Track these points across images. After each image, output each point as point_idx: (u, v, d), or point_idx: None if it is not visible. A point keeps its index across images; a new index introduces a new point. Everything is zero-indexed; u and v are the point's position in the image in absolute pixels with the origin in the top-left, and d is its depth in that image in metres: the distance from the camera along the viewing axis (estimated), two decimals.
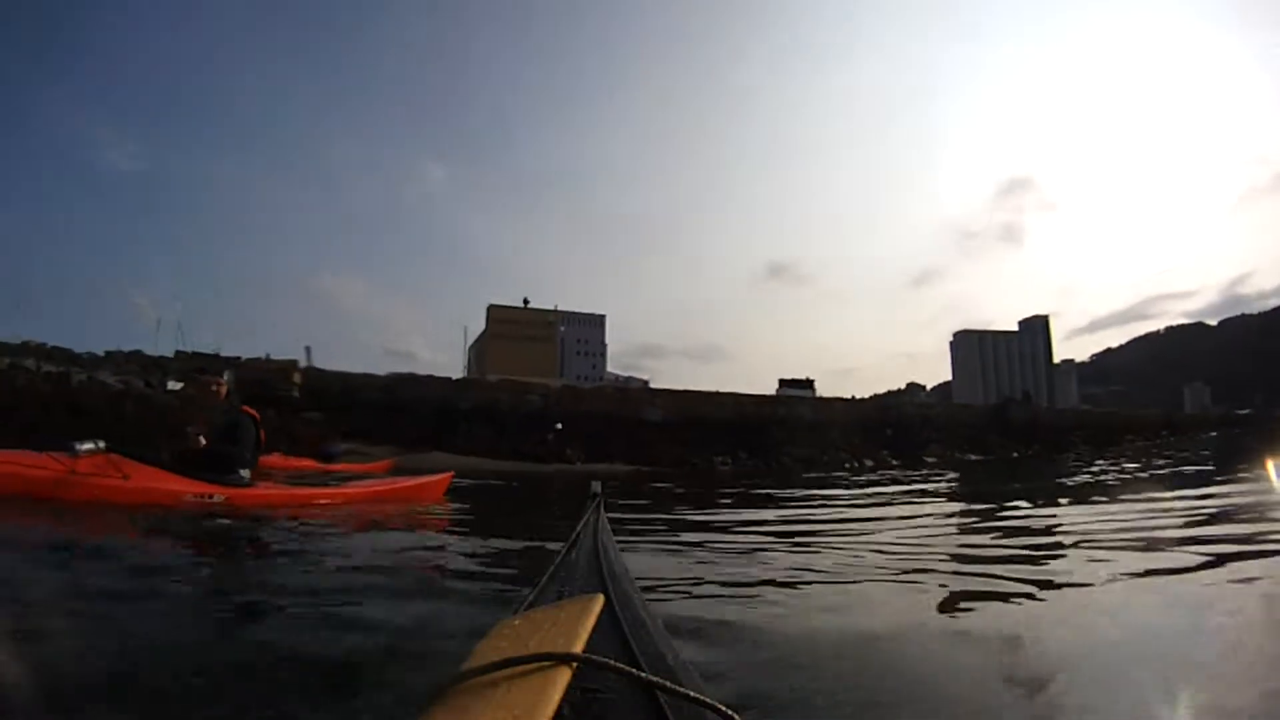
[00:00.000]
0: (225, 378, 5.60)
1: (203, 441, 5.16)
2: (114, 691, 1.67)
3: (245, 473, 5.29)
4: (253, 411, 5.55)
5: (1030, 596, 3.28)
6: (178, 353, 28.32)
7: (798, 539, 5.76)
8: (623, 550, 1.75)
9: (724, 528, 6.59)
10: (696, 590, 3.34)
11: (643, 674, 0.79)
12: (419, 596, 2.85)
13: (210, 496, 4.83)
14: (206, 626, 2.32)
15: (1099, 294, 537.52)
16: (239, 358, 26.61)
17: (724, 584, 3.53)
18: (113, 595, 2.48)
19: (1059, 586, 3.62)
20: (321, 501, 5.77)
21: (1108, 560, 4.31)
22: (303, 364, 29.61)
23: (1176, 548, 4.74)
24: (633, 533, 5.64)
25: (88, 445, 4.48)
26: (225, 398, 5.50)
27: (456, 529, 5.65)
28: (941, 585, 3.72)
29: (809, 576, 3.93)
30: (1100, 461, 21.14)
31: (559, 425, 23.89)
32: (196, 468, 4.97)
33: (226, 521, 4.56)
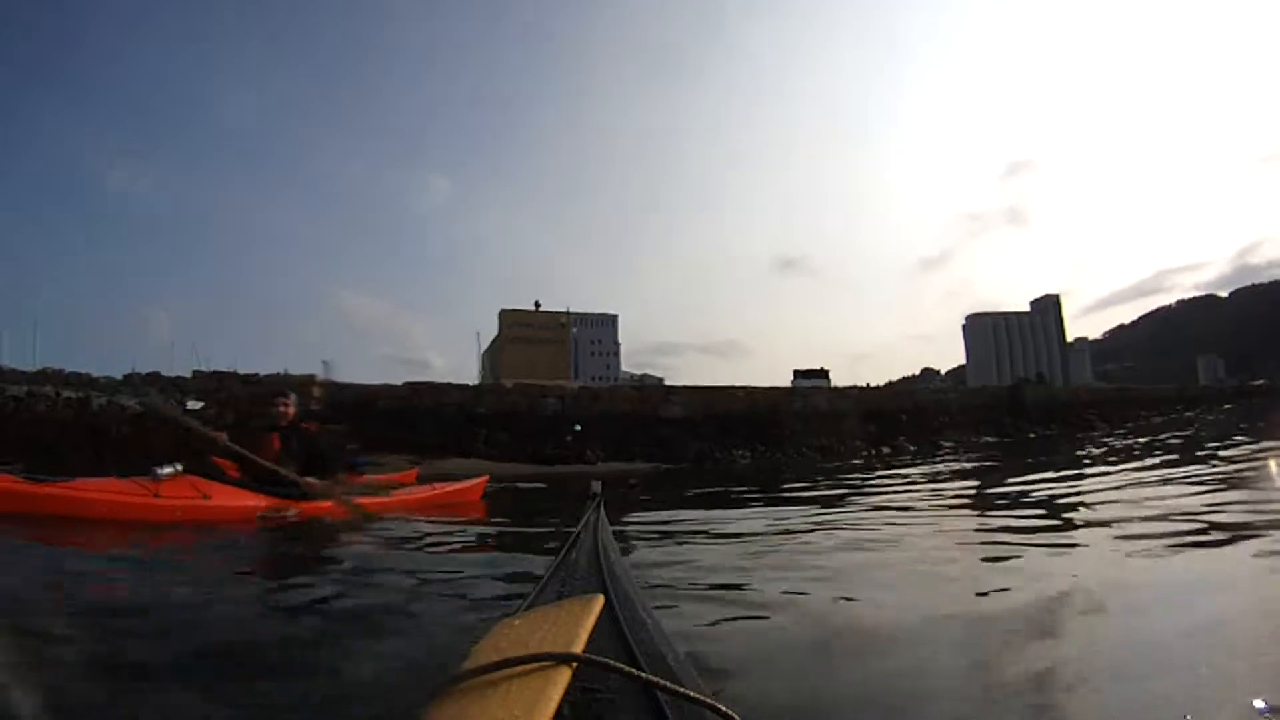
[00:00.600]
0: (292, 398, 5.83)
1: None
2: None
3: None
4: (312, 428, 5.85)
5: (1038, 559, 3.32)
6: (195, 372, 28.40)
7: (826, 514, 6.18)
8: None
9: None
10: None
11: (643, 674, 0.80)
12: (449, 599, 2.90)
13: (284, 510, 5.14)
14: (232, 624, 2.40)
15: (1109, 270, 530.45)
16: (257, 374, 26.70)
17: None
18: (183, 601, 2.66)
19: (1063, 548, 3.65)
20: (381, 509, 6.01)
21: (1115, 526, 4.37)
22: (321, 377, 29.69)
23: (1186, 514, 4.80)
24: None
25: (168, 469, 4.75)
26: (293, 417, 5.70)
27: (499, 529, 5.94)
28: (953, 561, 3.91)
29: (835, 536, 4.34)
30: (1115, 438, 20.95)
31: (577, 427, 23.88)
32: (271, 484, 5.25)
33: (287, 531, 4.87)
